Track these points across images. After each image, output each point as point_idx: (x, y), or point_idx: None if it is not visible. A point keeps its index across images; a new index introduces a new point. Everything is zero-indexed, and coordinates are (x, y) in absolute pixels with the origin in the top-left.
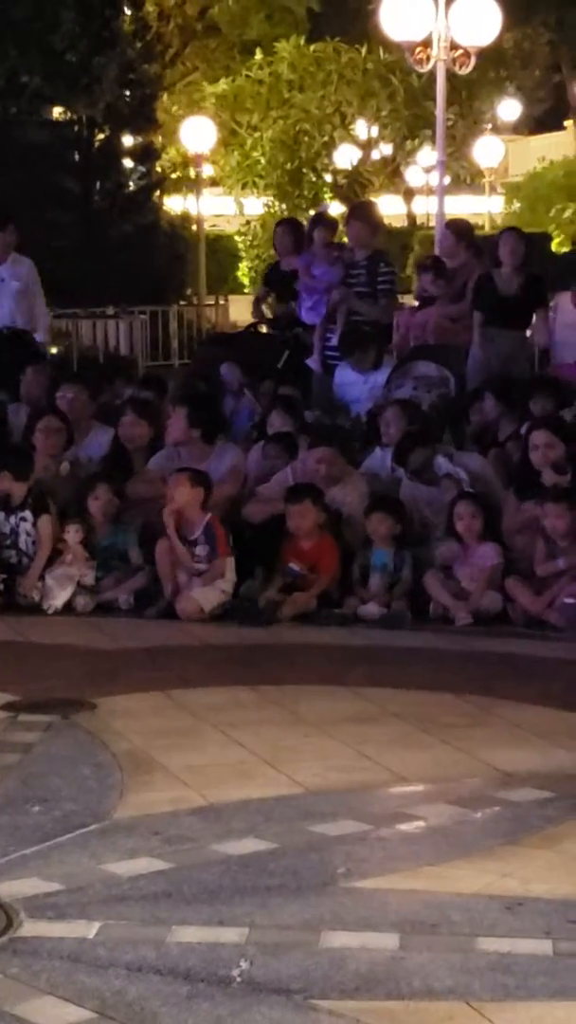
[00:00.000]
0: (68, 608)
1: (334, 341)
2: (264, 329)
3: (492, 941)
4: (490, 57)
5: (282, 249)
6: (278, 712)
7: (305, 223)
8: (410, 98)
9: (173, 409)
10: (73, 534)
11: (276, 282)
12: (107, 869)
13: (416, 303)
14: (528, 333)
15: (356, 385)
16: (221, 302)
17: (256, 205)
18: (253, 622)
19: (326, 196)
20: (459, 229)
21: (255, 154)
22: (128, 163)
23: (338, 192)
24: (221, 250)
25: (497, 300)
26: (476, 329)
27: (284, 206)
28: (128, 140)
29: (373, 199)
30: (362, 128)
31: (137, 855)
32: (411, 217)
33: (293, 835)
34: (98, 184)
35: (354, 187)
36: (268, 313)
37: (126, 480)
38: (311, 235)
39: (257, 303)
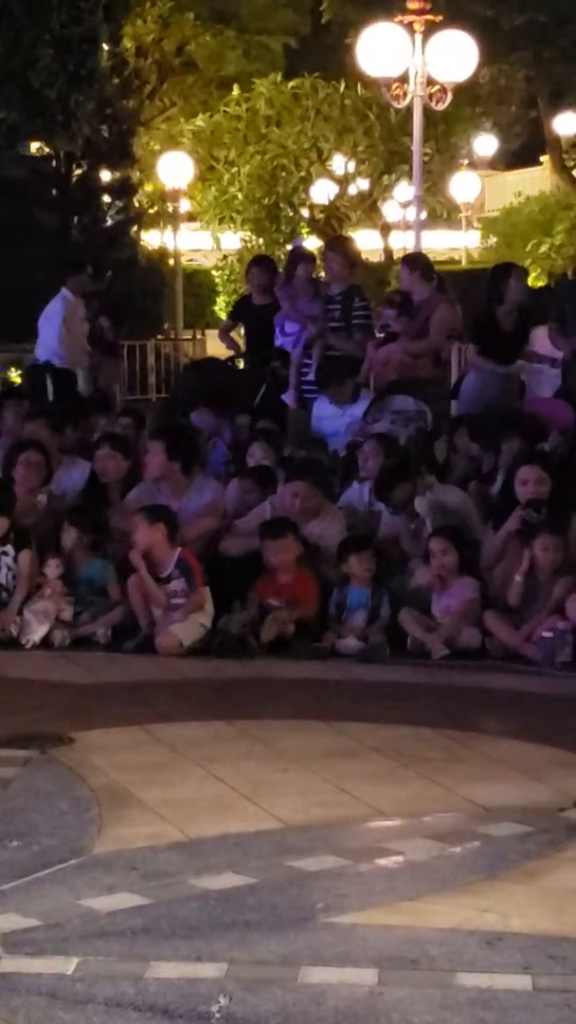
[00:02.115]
0: (46, 643)
1: (311, 375)
2: (241, 364)
3: (471, 976)
4: (466, 93)
5: (257, 286)
6: (256, 746)
7: (282, 258)
8: (387, 133)
9: (151, 443)
10: (53, 568)
11: (246, 316)
12: (85, 904)
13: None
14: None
15: (334, 419)
16: (199, 336)
17: (233, 240)
18: (232, 655)
19: (303, 231)
20: (414, 263)
21: (232, 189)
22: (106, 198)
23: (315, 227)
24: (198, 285)
25: (497, 337)
26: (474, 366)
27: (261, 241)
28: (106, 175)
29: (350, 234)
30: (339, 163)
31: (115, 890)
32: (388, 252)
33: (272, 870)
34: (76, 219)
35: (331, 222)
36: (240, 343)
37: (102, 514)
38: (293, 270)
39: (224, 334)
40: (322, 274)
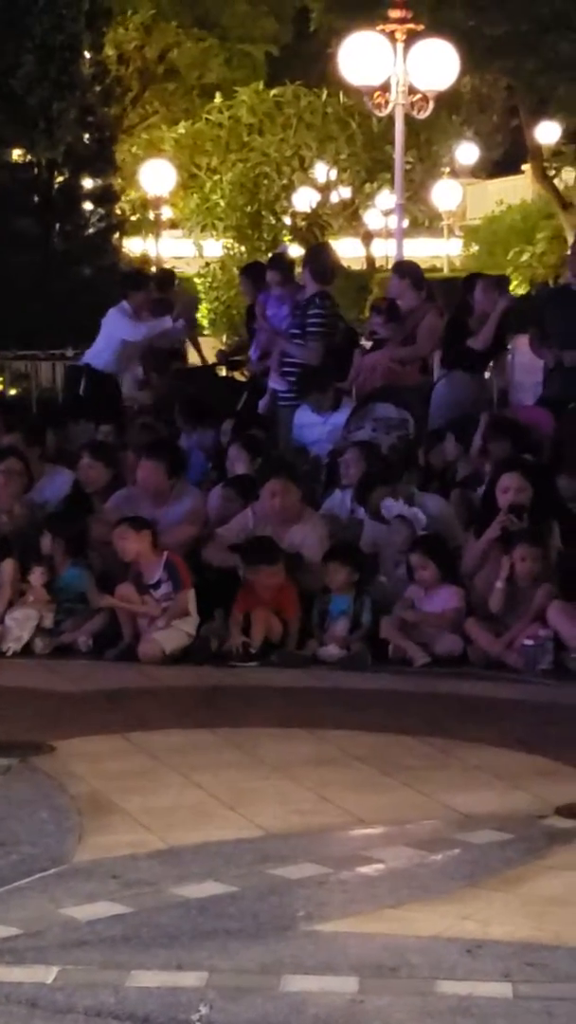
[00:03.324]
0: (27, 650)
1: (274, 384)
2: (223, 371)
3: (452, 984)
4: (448, 101)
5: (250, 296)
6: (238, 754)
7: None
8: (369, 142)
9: (144, 459)
10: (38, 576)
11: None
12: (66, 913)
13: (368, 345)
14: (487, 375)
15: (315, 427)
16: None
17: (215, 247)
18: (212, 662)
19: (285, 239)
20: (405, 271)
21: (214, 197)
22: (88, 205)
23: (297, 235)
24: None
25: (467, 346)
26: (445, 374)
27: (243, 248)
28: (88, 183)
29: (331, 241)
30: (321, 171)
31: (96, 899)
32: (370, 260)
33: (252, 878)
34: (58, 226)
35: (313, 230)
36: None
37: (83, 522)
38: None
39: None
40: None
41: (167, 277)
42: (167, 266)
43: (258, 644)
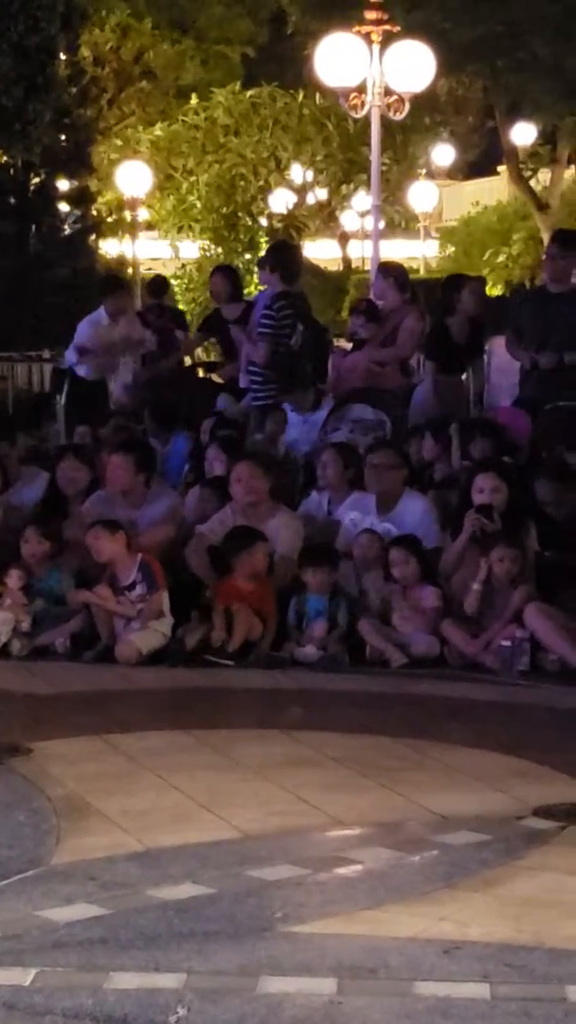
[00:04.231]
0: (3, 652)
1: (244, 383)
2: (201, 373)
3: (430, 985)
4: (424, 103)
5: (219, 296)
6: (215, 756)
7: (241, 267)
8: (345, 143)
9: (111, 455)
10: (15, 579)
11: (215, 328)
12: (43, 915)
13: (349, 346)
14: (464, 376)
15: (295, 426)
16: None
17: (192, 249)
18: (188, 664)
19: (262, 240)
20: (390, 271)
21: (191, 198)
22: (64, 207)
23: (274, 236)
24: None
25: (449, 346)
26: (429, 375)
27: (220, 250)
28: (64, 184)
29: (308, 243)
30: (297, 173)
31: (73, 901)
32: (346, 261)
33: (230, 880)
34: (34, 228)
35: (290, 231)
36: (204, 356)
37: (60, 523)
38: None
39: (189, 349)
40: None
41: (160, 283)
42: (143, 268)
43: (237, 645)
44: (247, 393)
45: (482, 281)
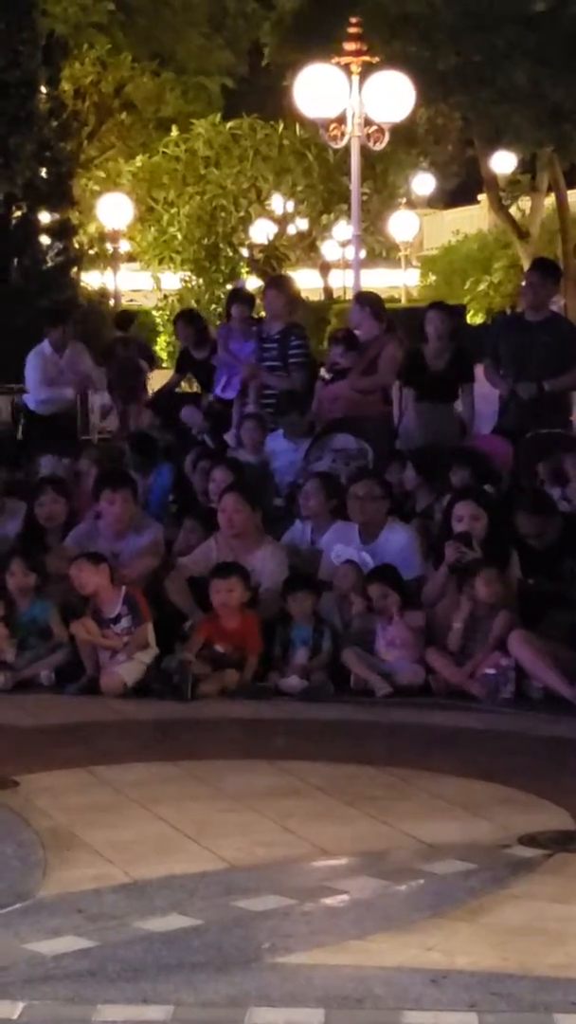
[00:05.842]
0: None
1: (253, 411)
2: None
3: (417, 1015)
4: (404, 133)
5: (186, 341)
6: (200, 787)
7: (222, 297)
8: (325, 173)
9: (99, 489)
10: None
11: (192, 368)
12: (31, 948)
13: (328, 376)
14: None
15: (286, 453)
16: None
17: (173, 280)
18: (174, 696)
19: (243, 271)
20: (366, 300)
21: (172, 230)
22: (45, 240)
23: (255, 267)
24: (139, 325)
25: (427, 375)
26: (409, 404)
27: (201, 281)
28: (45, 217)
29: (289, 273)
30: (278, 203)
31: (61, 933)
32: (327, 291)
33: (217, 911)
34: (15, 261)
35: (271, 261)
36: (187, 388)
37: (41, 555)
38: (229, 311)
39: (170, 388)
40: (263, 313)
41: (126, 317)
42: (125, 300)
43: (210, 693)
44: (230, 424)
45: (451, 308)
